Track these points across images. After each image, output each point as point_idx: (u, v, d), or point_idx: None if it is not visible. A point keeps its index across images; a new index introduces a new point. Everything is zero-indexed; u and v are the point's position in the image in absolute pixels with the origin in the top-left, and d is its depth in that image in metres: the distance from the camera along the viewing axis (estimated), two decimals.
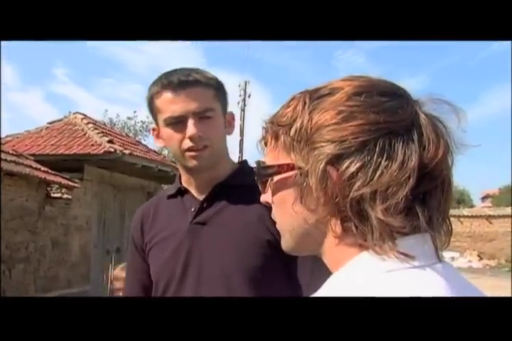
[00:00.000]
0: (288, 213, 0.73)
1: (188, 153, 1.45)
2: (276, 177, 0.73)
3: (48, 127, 10.70)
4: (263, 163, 0.77)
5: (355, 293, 0.63)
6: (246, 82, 25.81)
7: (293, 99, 0.74)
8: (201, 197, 1.52)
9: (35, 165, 8.28)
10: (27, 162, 8.18)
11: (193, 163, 1.46)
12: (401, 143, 0.65)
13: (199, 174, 1.51)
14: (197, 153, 1.45)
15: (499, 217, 23.88)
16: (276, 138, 0.73)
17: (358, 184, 0.64)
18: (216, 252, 1.44)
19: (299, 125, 0.69)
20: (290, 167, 0.70)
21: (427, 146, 0.66)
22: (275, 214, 0.78)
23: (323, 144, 0.66)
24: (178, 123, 1.44)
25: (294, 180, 0.70)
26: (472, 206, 34.53)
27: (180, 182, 1.57)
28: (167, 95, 1.44)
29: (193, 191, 1.54)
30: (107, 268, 10.35)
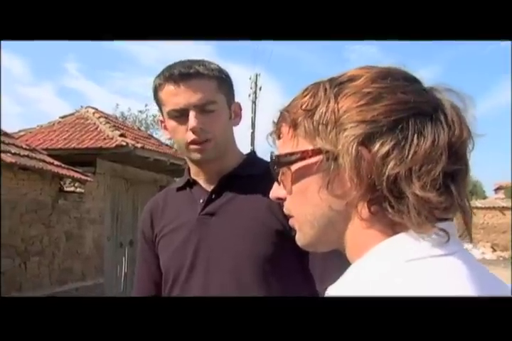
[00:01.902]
0: (310, 202, 0.71)
1: (191, 146, 1.46)
2: (297, 165, 0.72)
3: (60, 121, 10.75)
4: (276, 153, 0.75)
5: (376, 285, 0.63)
6: (257, 75, 25.74)
7: (307, 89, 0.73)
8: (210, 188, 1.52)
9: (48, 159, 8.33)
10: (40, 156, 8.23)
11: (196, 156, 1.47)
12: (430, 123, 0.66)
13: (206, 166, 1.51)
14: (200, 146, 1.45)
15: None
16: (295, 126, 0.72)
17: (392, 163, 0.64)
18: (225, 242, 1.45)
19: (324, 109, 0.69)
20: (315, 152, 0.69)
21: (452, 126, 0.66)
22: (292, 206, 0.75)
23: (353, 125, 0.66)
24: (180, 115, 1.45)
25: (320, 165, 0.69)
26: (485, 197, 34.24)
27: (189, 174, 1.58)
28: (169, 88, 1.45)
29: (201, 182, 1.55)
30: (120, 261, 10.44)
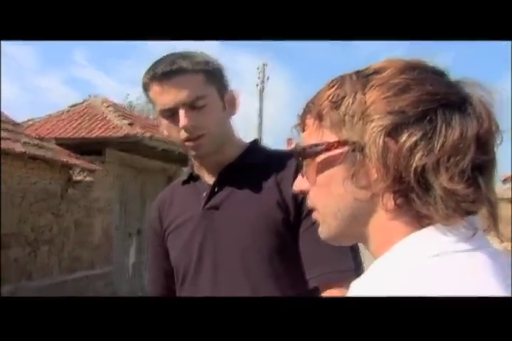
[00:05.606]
0: (334, 193, 0.71)
1: (186, 143, 1.44)
2: (322, 156, 0.71)
3: (68, 110, 10.76)
4: (302, 145, 0.74)
5: (403, 282, 0.62)
6: (264, 65, 25.66)
7: (333, 81, 0.72)
8: (212, 182, 1.51)
9: (57, 148, 8.38)
10: (49, 145, 8.27)
11: (192, 152, 1.47)
12: (458, 114, 0.65)
13: (206, 159, 1.50)
14: (194, 142, 1.43)
15: None
16: (321, 117, 0.71)
17: (420, 154, 0.63)
18: (231, 235, 1.44)
19: (351, 100, 0.68)
20: (341, 143, 0.69)
21: (480, 119, 0.66)
22: (316, 198, 0.75)
23: (380, 116, 0.65)
24: (171, 114, 1.43)
25: (345, 157, 0.68)
26: None
27: (192, 168, 1.57)
28: (154, 87, 1.42)
29: (204, 176, 1.54)
30: (128, 249, 10.51)
